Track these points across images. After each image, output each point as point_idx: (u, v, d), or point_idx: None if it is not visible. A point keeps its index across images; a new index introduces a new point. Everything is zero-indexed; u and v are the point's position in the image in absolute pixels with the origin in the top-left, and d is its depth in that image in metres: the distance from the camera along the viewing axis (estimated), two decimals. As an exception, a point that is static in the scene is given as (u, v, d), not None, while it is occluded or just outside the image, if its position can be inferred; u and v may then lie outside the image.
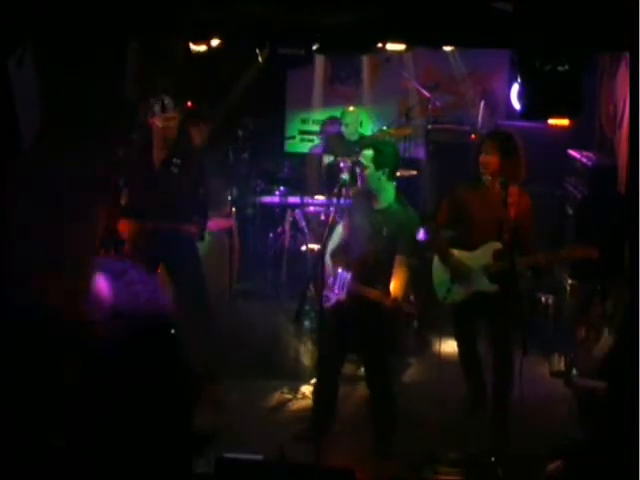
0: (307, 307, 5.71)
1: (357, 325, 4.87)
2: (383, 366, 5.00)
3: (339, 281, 4.85)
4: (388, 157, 4.83)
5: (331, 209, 7.42)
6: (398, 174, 7.37)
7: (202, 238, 5.66)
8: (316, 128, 9.08)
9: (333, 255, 5.03)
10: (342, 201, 5.05)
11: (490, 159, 5.06)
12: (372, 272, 4.79)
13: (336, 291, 4.84)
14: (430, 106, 8.30)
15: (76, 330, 3.39)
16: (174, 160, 5.40)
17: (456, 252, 5.18)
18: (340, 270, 4.85)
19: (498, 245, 5.00)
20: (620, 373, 4.65)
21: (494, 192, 5.01)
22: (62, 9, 4.03)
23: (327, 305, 4.82)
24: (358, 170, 4.86)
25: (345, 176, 4.86)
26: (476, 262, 5.12)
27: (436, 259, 5.31)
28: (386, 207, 4.86)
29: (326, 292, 4.81)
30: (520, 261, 4.97)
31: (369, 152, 4.80)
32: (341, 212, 5.16)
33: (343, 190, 4.89)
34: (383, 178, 4.80)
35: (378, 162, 4.77)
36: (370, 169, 4.78)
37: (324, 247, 4.79)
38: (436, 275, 5.31)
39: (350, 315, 4.83)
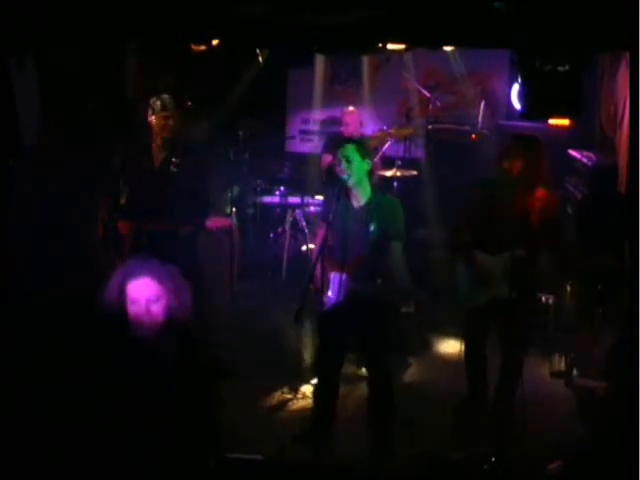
0: (307, 307, 5.70)
1: (357, 325, 4.88)
2: (383, 364, 5.00)
3: (333, 284, 4.83)
4: (367, 149, 4.95)
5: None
6: (398, 174, 7.52)
7: (202, 237, 5.65)
8: (316, 128, 9.08)
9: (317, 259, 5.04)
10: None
11: (515, 164, 5.01)
12: (368, 269, 4.80)
13: (331, 294, 4.83)
14: (430, 106, 8.30)
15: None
16: (173, 159, 5.40)
17: (480, 255, 5.17)
18: (332, 273, 4.84)
19: (522, 252, 4.96)
20: (620, 373, 4.66)
21: (518, 196, 4.98)
22: (63, 10, 4.03)
23: (323, 309, 4.83)
24: (344, 166, 4.84)
25: (345, 176, 4.85)
26: (498, 268, 5.10)
27: (460, 263, 5.29)
28: (367, 202, 4.88)
29: (320, 296, 4.83)
30: (547, 264, 4.97)
31: (352, 145, 4.85)
32: (323, 215, 5.16)
33: (342, 190, 4.89)
34: (366, 170, 4.85)
35: (362, 154, 4.83)
36: (357, 161, 4.81)
37: (323, 248, 4.80)
38: (459, 278, 5.28)
39: (350, 315, 4.83)
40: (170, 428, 3.36)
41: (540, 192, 5.03)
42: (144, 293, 3.34)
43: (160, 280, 3.37)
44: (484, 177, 5.35)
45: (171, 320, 3.40)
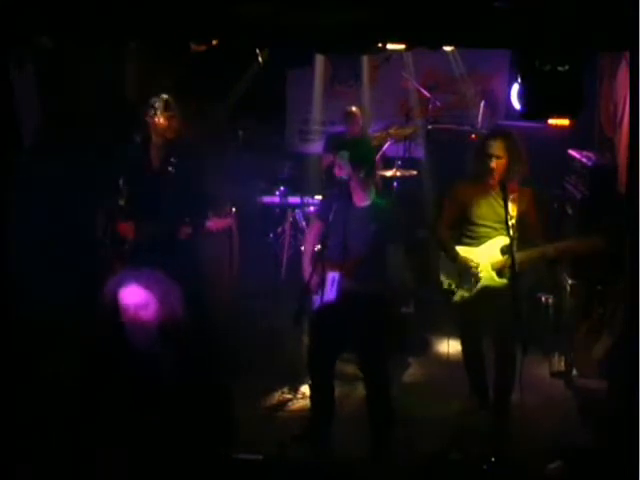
0: (307, 307, 5.70)
1: (354, 325, 4.88)
2: (379, 364, 5.01)
3: (331, 284, 4.83)
4: (363, 156, 4.94)
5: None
6: (398, 174, 7.51)
7: (201, 238, 5.63)
8: (316, 128, 9.08)
9: (313, 257, 5.03)
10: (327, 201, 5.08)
11: (500, 161, 5.05)
12: (368, 269, 4.80)
13: (328, 294, 4.83)
14: (430, 106, 8.30)
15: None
16: (172, 160, 5.40)
17: (462, 249, 5.21)
18: (330, 273, 4.84)
19: (505, 240, 5.02)
20: (620, 373, 4.66)
21: (496, 190, 5.04)
22: (62, 10, 4.03)
23: (320, 309, 4.83)
24: (345, 166, 4.87)
25: (345, 176, 4.86)
26: (483, 257, 5.15)
27: (443, 256, 5.32)
28: (369, 204, 4.89)
29: (312, 295, 4.83)
30: (527, 255, 5.01)
31: (344, 152, 4.87)
32: (321, 213, 5.15)
33: (343, 190, 4.89)
34: (362, 176, 4.84)
35: (355, 161, 4.83)
36: (358, 161, 4.83)
37: (324, 248, 4.80)
38: (443, 273, 5.32)
39: (348, 315, 4.82)
40: (169, 429, 3.37)
41: (513, 186, 5.08)
42: (132, 300, 3.47)
43: (147, 286, 3.49)
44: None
45: (163, 324, 3.49)
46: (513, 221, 5.01)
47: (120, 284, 3.54)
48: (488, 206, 5.13)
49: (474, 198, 5.19)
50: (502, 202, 4.98)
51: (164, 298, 3.53)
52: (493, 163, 5.05)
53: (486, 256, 5.14)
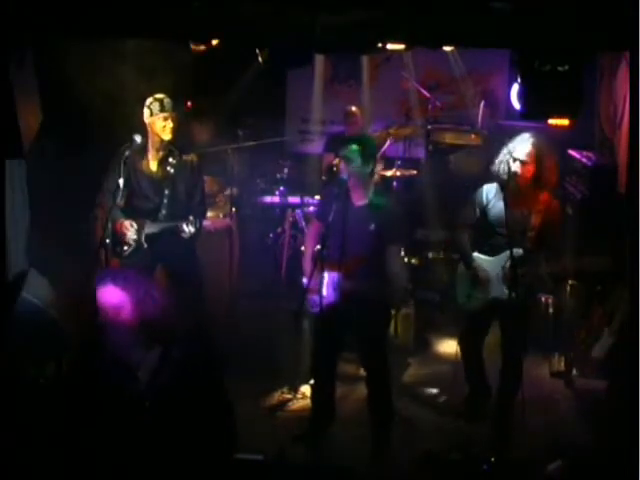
0: (307, 307, 5.70)
1: (354, 325, 4.87)
2: (381, 364, 5.00)
3: (330, 284, 4.82)
4: (372, 152, 4.94)
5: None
6: (398, 174, 7.51)
7: (199, 238, 5.63)
8: (316, 128, 9.08)
9: (313, 257, 5.03)
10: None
11: (526, 167, 4.98)
12: (367, 269, 4.79)
13: (327, 294, 4.82)
14: (430, 106, 8.29)
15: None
16: (171, 160, 5.40)
17: (478, 256, 5.19)
18: (329, 273, 4.84)
19: (519, 252, 4.96)
20: (620, 373, 4.66)
21: (520, 198, 4.98)
22: (62, 10, 4.03)
23: (315, 309, 4.83)
24: (343, 166, 4.86)
25: (345, 176, 4.85)
26: (496, 268, 5.12)
27: (461, 264, 5.30)
28: (368, 203, 4.88)
29: (311, 295, 4.81)
30: (546, 266, 4.99)
31: (355, 147, 4.83)
32: (321, 213, 5.14)
33: (343, 190, 4.89)
34: (367, 172, 4.83)
35: (364, 156, 4.82)
36: (358, 161, 4.80)
37: (324, 248, 4.79)
38: (459, 279, 5.30)
39: (347, 315, 4.82)
40: (168, 429, 3.37)
41: (544, 196, 5.04)
42: (108, 300, 3.42)
43: (123, 287, 3.42)
44: (486, 179, 5.31)
45: (147, 325, 3.42)
46: (533, 233, 4.98)
47: (99, 284, 3.48)
48: (509, 214, 4.94)
49: (493, 204, 5.12)
50: (525, 211, 4.95)
51: (141, 299, 3.45)
52: (518, 168, 4.97)
53: (499, 267, 5.10)
